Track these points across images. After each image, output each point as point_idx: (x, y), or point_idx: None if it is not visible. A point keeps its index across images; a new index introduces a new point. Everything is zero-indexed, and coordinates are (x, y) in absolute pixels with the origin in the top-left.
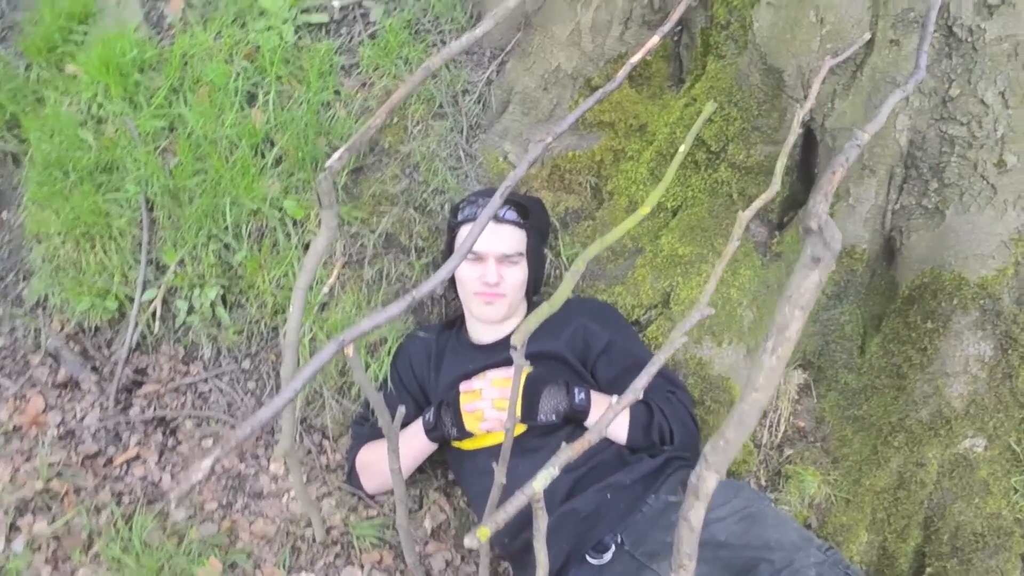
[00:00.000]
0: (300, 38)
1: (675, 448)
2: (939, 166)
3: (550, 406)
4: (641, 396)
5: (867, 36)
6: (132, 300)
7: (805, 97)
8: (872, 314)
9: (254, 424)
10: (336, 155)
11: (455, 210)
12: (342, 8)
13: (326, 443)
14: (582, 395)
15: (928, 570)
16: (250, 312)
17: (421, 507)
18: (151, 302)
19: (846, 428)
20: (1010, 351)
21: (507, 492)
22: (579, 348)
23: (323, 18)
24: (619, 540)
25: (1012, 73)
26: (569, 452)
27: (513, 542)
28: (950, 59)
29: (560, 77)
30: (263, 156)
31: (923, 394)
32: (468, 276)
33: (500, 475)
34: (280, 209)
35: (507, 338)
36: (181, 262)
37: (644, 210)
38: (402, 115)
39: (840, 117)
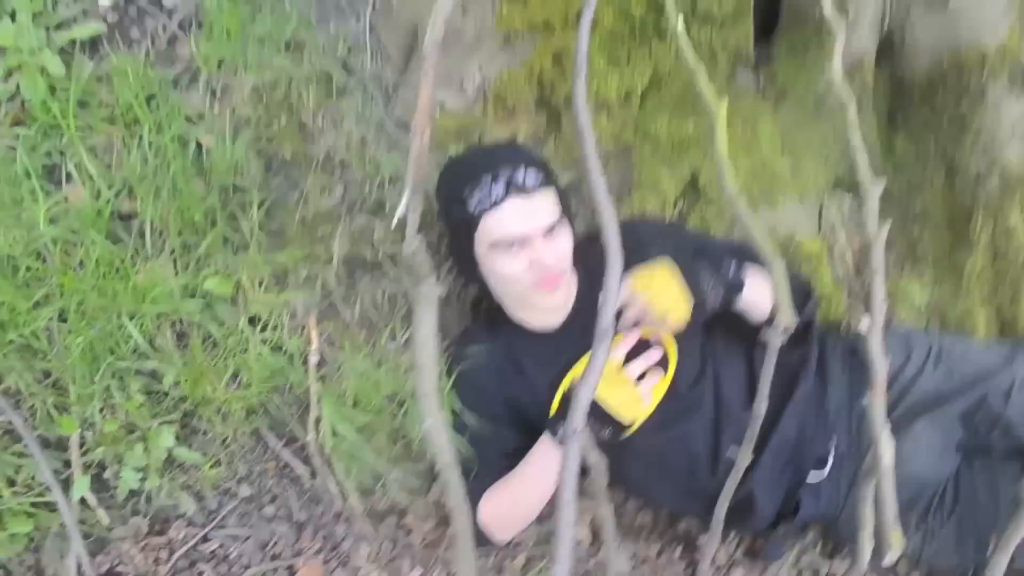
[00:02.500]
0: (71, 66)
1: (812, 302)
2: None
3: (709, 284)
4: None
5: None
6: (47, 505)
7: None
8: (879, 114)
9: None
10: (402, 205)
11: (458, 199)
12: (114, 6)
13: (407, 520)
14: (731, 265)
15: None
16: (216, 431)
17: None
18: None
19: (911, 229)
20: None
21: (687, 457)
22: None
23: (94, 28)
24: (834, 442)
25: None
26: None
27: (708, 513)
28: None
29: None
30: (127, 239)
31: (981, 169)
32: (515, 270)
33: (744, 458)
34: (195, 295)
35: (583, 311)
36: (89, 425)
37: (722, 105)
38: (289, 110)
39: None
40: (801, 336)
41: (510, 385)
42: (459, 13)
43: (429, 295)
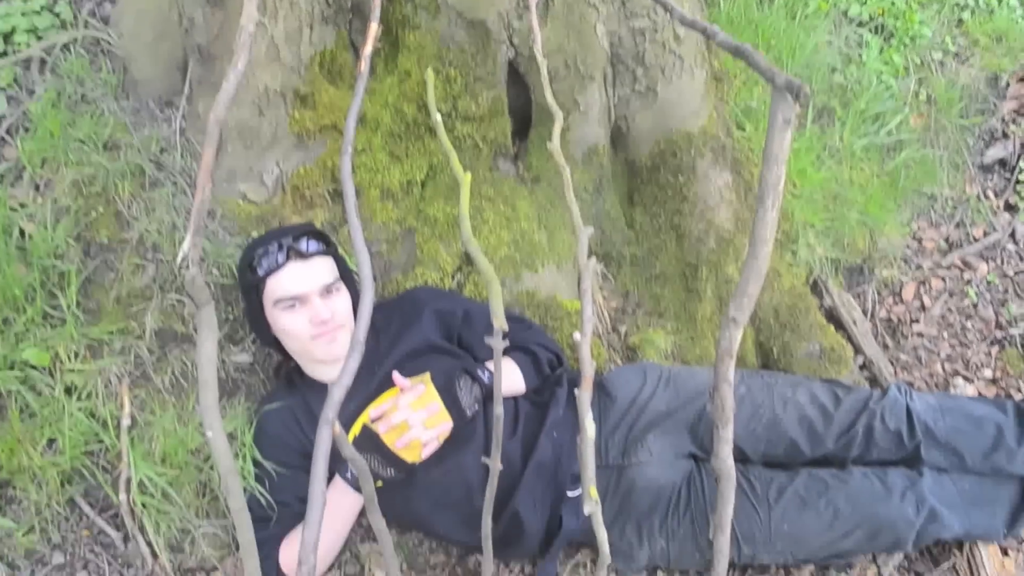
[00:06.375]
0: None
1: (563, 367)
2: (639, 55)
3: (470, 398)
4: None
5: None
6: None
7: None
8: (620, 193)
9: None
10: (187, 243)
11: (250, 266)
12: None
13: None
14: (487, 373)
15: (775, 349)
16: (31, 499)
17: (363, 569)
18: None
19: (653, 288)
20: (740, 171)
21: (464, 486)
22: (441, 329)
23: None
24: None
25: None
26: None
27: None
28: None
29: (272, 98)
30: None
31: (700, 231)
32: (295, 325)
33: (495, 463)
34: (13, 366)
35: (367, 363)
36: None
37: (467, 177)
38: (106, 200)
39: (546, 44)
40: (555, 380)
41: (307, 436)
42: (256, 114)
43: (209, 320)
